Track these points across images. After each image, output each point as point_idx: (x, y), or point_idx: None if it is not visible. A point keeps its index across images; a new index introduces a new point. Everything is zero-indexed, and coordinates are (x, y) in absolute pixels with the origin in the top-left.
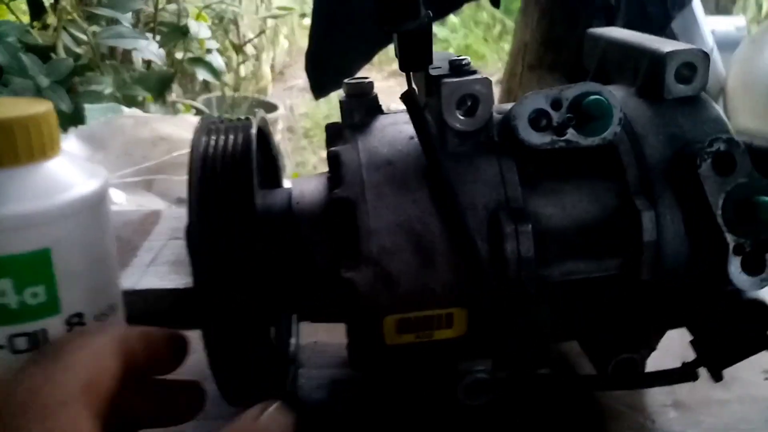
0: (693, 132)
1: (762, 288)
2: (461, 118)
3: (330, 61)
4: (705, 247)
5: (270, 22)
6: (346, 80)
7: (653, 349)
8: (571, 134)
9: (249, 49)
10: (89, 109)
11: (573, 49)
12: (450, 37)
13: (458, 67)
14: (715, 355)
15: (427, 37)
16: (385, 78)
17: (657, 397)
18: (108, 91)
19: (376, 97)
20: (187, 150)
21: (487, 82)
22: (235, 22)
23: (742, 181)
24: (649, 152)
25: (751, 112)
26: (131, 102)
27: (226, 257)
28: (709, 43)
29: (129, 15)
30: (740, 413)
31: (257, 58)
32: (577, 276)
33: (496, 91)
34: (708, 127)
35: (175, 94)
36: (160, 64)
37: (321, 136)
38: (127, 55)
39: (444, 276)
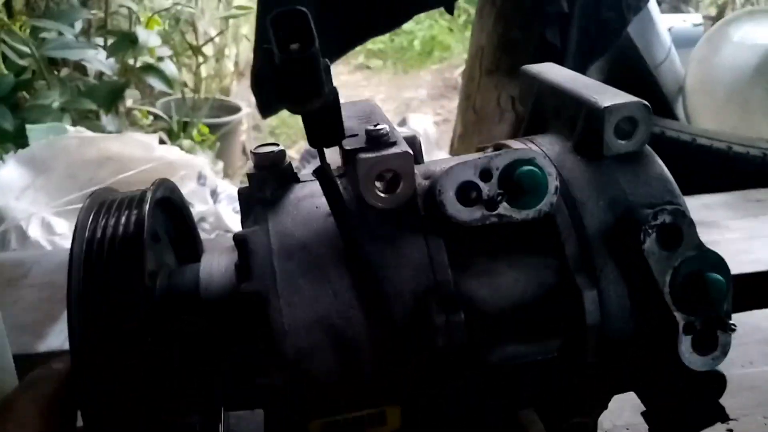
0: (636, 194)
1: (714, 367)
2: (381, 195)
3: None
4: (652, 325)
5: (232, 21)
6: (252, 150)
7: (605, 407)
8: (503, 208)
9: (209, 49)
10: (31, 129)
11: (530, 52)
12: (415, 28)
13: (376, 140)
14: (669, 428)
15: (335, 113)
16: (351, 72)
17: None
18: (56, 104)
19: (289, 166)
20: (137, 169)
21: (407, 157)
22: (192, 23)
23: (690, 254)
24: (588, 221)
25: (711, 112)
26: (82, 115)
27: (112, 363)
28: (667, 42)
29: (77, 24)
30: None
31: (219, 57)
32: (516, 360)
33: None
34: (652, 188)
35: (132, 100)
36: (110, 74)
37: (288, 134)
38: (80, 65)
39: (371, 374)
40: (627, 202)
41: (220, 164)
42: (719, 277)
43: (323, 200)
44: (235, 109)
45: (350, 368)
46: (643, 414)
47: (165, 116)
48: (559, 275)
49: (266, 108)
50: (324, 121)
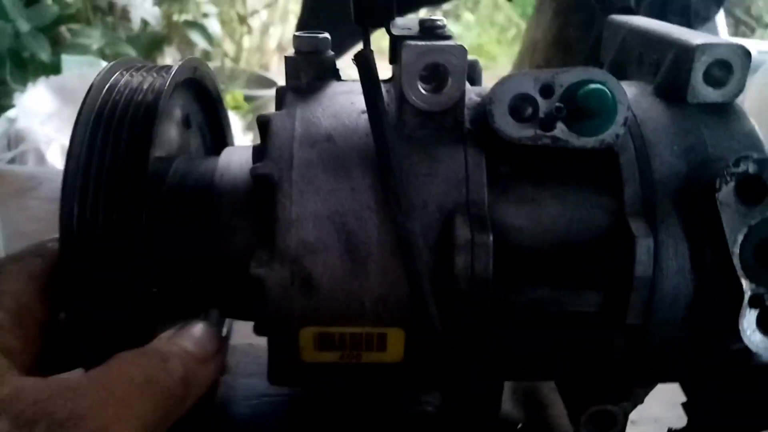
0: (717, 147)
1: None
2: (424, 93)
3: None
4: (713, 292)
5: None
6: (295, 33)
7: (639, 402)
8: (560, 130)
9: (255, 22)
10: (66, 60)
11: (585, 52)
12: (464, 34)
13: (429, 29)
14: (712, 426)
15: None
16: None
17: None
18: (96, 46)
19: (331, 58)
20: None
21: (461, 51)
22: None
23: None
24: (657, 165)
25: (766, 140)
26: None
27: (99, 236)
28: None
29: None
30: None
31: (264, 32)
32: (548, 308)
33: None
34: (737, 144)
35: (171, 58)
36: (154, 24)
37: None
38: (125, 12)
39: (377, 287)
40: (706, 152)
41: (250, 135)
42: None
43: (361, 98)
44: (272, 84)
45: (355, 275)
46: (683, 405)
47: None
48: (612, 218)
49: None
50: None
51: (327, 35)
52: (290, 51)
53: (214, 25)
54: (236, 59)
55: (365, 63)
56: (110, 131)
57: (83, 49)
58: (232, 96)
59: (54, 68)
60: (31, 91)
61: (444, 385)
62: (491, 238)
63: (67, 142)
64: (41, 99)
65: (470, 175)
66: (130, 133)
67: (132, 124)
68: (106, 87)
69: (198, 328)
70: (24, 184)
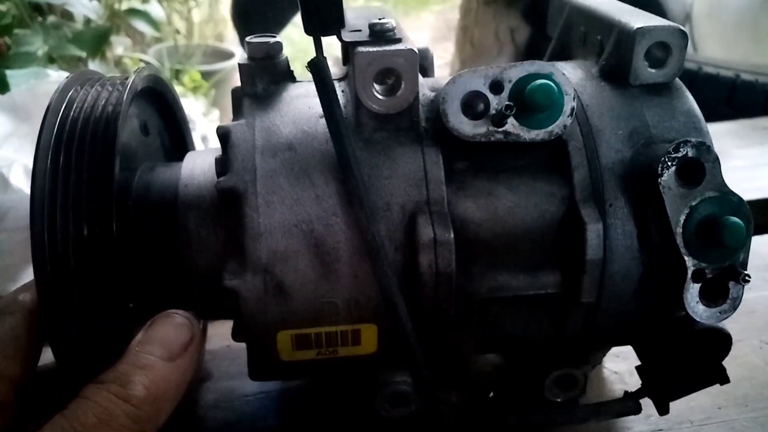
0: (659, 128)
1: (720, 321)
2: (379, 97)
3: (256, 11)
4: (659, 269)
5: None
6: (247, 39)
7: (597, 363)
8: (511, 125)
9: None
10: (10, 75)
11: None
12: None
13: (379, 33)
14: (663, 386)
15: None
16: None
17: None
18: (41, 52)
19: (285, 61)
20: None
21: (412, 55)
22: None
23: (711, 195)
24: (603, 150)
25: (718, 40)
26: (70, 63)
27: (71, 253)
28: None
29: None
30: None
31: (212, 2)
32: (507, 293)
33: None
34: (678, 123)
35: (122, 47)
36: (96, 19)
37: None
38: (67, 12)
39: (348, 288)
40: (649, 134)
41: (216, 112)
42: (739, 222)
43: (317, 101)
44: (229, 55)
45: (326, 279)
46: (637, 368)
47: (157, 63)
48: (563, 205)
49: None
50: (324, 1)
51: (279, 40)
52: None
53: (156, 10)
54: (189, 35)
55: (319, 71)
56: (72, 150)
57: (29, 57)
58: (189, 77)
59: (1, 85)
60: None
61: (414, 368)
62: (452, 235)
63: (28, 162)
64: None
65: (429, 174)
66: (92, 151)
67: (93, 140)
68: (64, 105)
69: (167, 325)
70: None
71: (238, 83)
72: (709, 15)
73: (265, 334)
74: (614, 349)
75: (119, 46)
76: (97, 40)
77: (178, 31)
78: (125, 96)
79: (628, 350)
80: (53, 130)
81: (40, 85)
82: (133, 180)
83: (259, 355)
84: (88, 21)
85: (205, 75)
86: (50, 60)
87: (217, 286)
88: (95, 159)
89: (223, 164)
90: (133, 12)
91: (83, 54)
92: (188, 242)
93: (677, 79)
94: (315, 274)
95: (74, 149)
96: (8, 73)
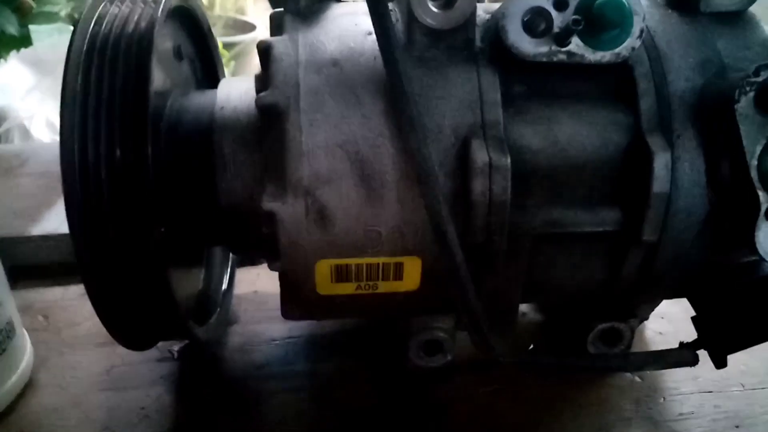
0: (733, 57)
1: None
2: (434, 11)
3: None
4: (728, 206)
5: None
6: None
7: (645, 318)
8: (575, 45)
9: None
10: (34, 30)
11: None
12: None
13: None
14: (721, 338)
15: None
16: None
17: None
18: (64, 12)
19: None
20: None
21: None
22: None
23: None
24: (672, 78)
25: None
26: None
27: (103, 175)
28: None
29: None
30: None
31: None
32: (564, 229)
33: None
34: (753, 54)
35: None
36: None
37: None
38: None
39: (394, 216)
40: (721, 64)
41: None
42: None
43: (366, 18)
44: (251, 28)
45: (371, 205)
46: (693, 319)
47: None
48: (628, 134)
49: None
50: None
51: None
52: None
53: None
54: (210, 6)
55: None
56: (104, 64)
57: (51, 17)
58: None
59: (24, 40)
60: (6, 67)
61: (458, 309)
62: (509, 160)
63: (49, 114)
64: (17, 74)
65: (484, 96)
66: (126, 66)
67: (126, 55)
68: (94, 19)
69: None
70: (10, 163)
71: (257, 58)
72: None
73: (303, 263)
74: (659, 310)
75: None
76: None
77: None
78: (160, 11)
79: (674, 311)
80: (84, 42)
81: (63, 40)
82: (166, 105)
83: (294, 288)
84: None
85: (226, 46)
86: (73, 20)
87: (254, 213)
88: (129, 78)
89: (263, 80)
90: None
91: None
92: (224, 166)
93: (750, 9)
94: (359, 199)
95: (106, 67)
96: (32, 28)
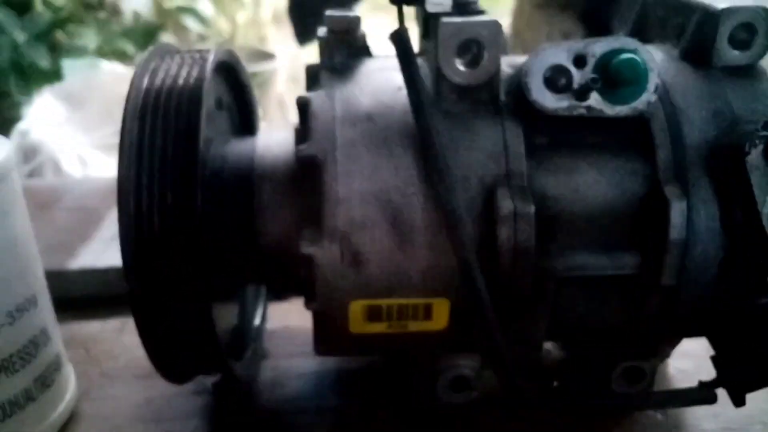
0: (744, 109)
1: None
2: (461, 69)
3: (313, 3)
4: (743, 251)
5: None
6: (328, 13)
7: (666, 357)
8: (594, 100)
9: None
10: (66, 64)
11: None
12: None
13: (463, 6)
14: (740, 377)
15: None
16: (371, 10)
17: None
18: (93, 45)
19: (363, 36)
20: None
21: (495, 27)
22: None
23: None
24: (687, 130)
25: None
26: (120, 56)
27: (156, 219)
28: None
29: None
30: None
31: (257, 4)
32: (586, 272)
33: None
34: (763, 106)
35: None
36: (146, 15)
37: None
38: (116, 7)
39: (423, 260)
40: (733, 116)
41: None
42: None
43: (396, 74)
44: (270, 57)
45: (402, 250)
46: (712, 358)
47: None
48: (646, 183)
49: (305, 34)
50: None
51: (358, 15)
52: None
53: (206, 7)
54: (232, 36)
55: (401, 41)
56: (158, 118)
57: (81, 50)
58: None
59: (55, 74)
60: (39, 101)
61: (485, 348)
62: (533, 208)
63: (80, 149)
64: (49, 108)
65: (509, 147)
66: (177, 120)
67: (178, 110)
68: (148, 75)
69: None
70: (47, 198)
71: (278, 88)
72: None
73: (337, 304)
74: (682, 347)
75: None
76: (145, 36)
77: (221, 33)
78: (208, 68)
79: (695, 348)
80: (139, 97)
81: (93, 75)
82: (209, 152)
83: (328, 327)
84: (137, 17)
85: None
86: (101, 53)
87: (291, 256)
88: (180, 128)
89: (302, 133)
90: (183, 9)
91: (132, 49)
92: (263, 212)
93: (760, 63)
94: (391, 244)
95: (159, 117)
96: (64, 62)
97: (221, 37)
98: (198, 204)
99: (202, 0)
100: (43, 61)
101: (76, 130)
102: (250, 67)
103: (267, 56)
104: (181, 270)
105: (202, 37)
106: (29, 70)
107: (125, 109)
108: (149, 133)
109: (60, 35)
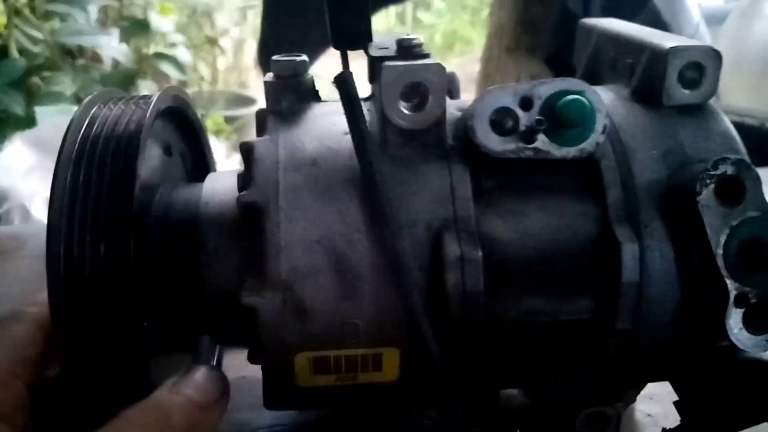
0: (695, 149)
1: (767, 350)
2: (406, 113)
3: (283, 50)
4: (699, 293)
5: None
6: (274, 57)
7: (631, 401)
8: (541, 142)
9: (228, 41)
10: (39, 111)
11: (551, 30)
12: (436, 22)
13: (407, 49)
14: (704, 423)
15: (363, 5)
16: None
17: None
18: (69, 92)
19: (311, 80)
20: None
21: (440, 70)
22: (209, 15)
23: (752, 215)
24: (638, 170)
25: (741, 90)
26: None
27: (87, 269)
28: (695, 18)
29: (92, 11)
30: None
31: (237, 50)
32: (539, 318)
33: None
34: (714, 144)
35: (147, 91)
36: (124, 62)
37: None
38: (96, 54)
39: (370, 308)
40: (684, 155)
41: (237, 156)
42: None
43: (343, 118)
44: (252, 102)
45: (348, 298)
46: (675, 404)
47: None
48: (597, 225)
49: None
50: (351, 12)
51: (305, 58)
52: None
53: (184, 54)
54: (213, 81)
55: (345, 85)
56: (93, 166)
57: (58, 97)
58: (213, 120)
59: (29, 121)
60: (9, 147)
61: (440, 400)
62: (480, 253)
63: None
64: (19, 154)
65: (456, 191)
66: (113, 167)
67: (114, 157)
68: (86, 121)
69: (200, 374)
70: (8, 245)
71: None
72: (733, 65)
73: (282, 356)
74: (648, 390)
75: (144, 90)
76: (123, 82)
77: (202, 78)
78: (148, 113)
79: (662, 392)
80: (75, 144)
81: (66, 121)
82: (154, 199)
83: (275, 380)
84: (116, 64)
85: (228, 120)
86: (78, 100)
87: (235, 305)
88: (115, 175)
89: (245, 179)
90: (161, 56)
91: None
92: (207, 260)
93: (710, 101)
94: (336, 293)
95: (95, 165)
96: (37, 109)
97: (202, 83)
98: (130, 252)
99: (179, 47)
100: (18, 108)
101: (46, 176)
102: (231, 111)
103: (248, 101)
104: (112, 326)
105: (182, 83)
106: (2, 116)
107: (58, 158)
108: (83, 180)
109: (36, 81)
